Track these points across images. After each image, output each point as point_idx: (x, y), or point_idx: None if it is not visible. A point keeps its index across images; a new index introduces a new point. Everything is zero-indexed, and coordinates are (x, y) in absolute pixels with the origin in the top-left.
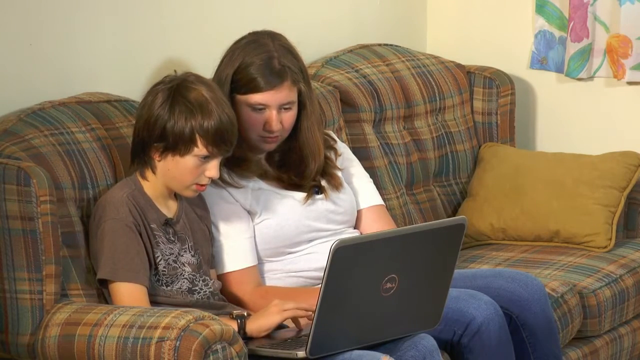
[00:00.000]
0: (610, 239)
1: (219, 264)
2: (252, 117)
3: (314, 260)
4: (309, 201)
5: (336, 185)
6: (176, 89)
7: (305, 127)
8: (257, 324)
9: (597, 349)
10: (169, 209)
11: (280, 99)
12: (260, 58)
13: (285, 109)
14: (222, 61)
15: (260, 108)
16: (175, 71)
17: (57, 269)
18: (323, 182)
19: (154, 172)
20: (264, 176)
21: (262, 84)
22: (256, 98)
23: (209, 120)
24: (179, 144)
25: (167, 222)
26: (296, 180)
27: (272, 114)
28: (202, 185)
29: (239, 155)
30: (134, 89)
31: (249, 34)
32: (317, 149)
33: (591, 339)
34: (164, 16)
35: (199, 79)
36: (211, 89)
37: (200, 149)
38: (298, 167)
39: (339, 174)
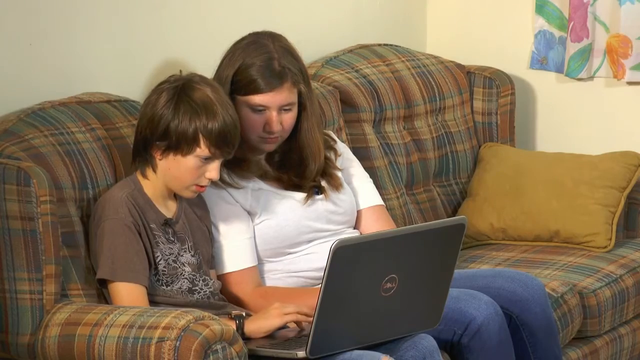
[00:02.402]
0: (610, 239)
1: (219, 265)
2: (252, 118)
3: (313, 260)
4: (308, 202)
5: (336, 185)
6: (181, 88)
7: (306, 128)
8: (257, 325)
9: (597, 349)
10: (168, 209)
11: (281, 100)
12: (261, 59)
13: (285, 110)
14: (222, 62)
15: (261, 109)
16: (180, 71)
17: (57, 269)
18: (323, 183)
19: (154, 171)
20: (264, 177)
21: (262, 85)
22: (256, 99)
23: (213, 121)
24: (181, 144)
25: (167, 222)
26: (296, 181)
27: (272, 115)
28: (201, 186)
29: (239, 156)
30: (134, 89)
31: (249, 34)
32: (317, 150)
33: (591, 339)
34: (164, 16)
35: (204, 80)
36: (216, 90)
37: (202, 150)
38: (298, 167)
39: (339, 174)
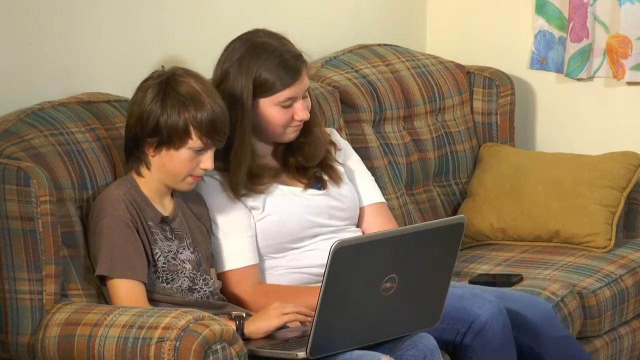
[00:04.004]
0: (610, 239)
1: (219, 262)
2: (282, 113)
3: (317, 256)
4: (310, 196)
5: (336, 179)
6: (166, 83)
7: (313, 109)
8: (256, 326)
9: (597, 349)
10: (165, 207)
11: (303, 86)
12: (273, 58)
13: (305, 96)
14: (227, 74)
15: (289, 103)
16: (162, 66)
17: (57, 269)
18: (324, 175)
19: (148, 169)
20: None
21: (286, 80)
22: (285, 94)
23: (202, 111)
24: (173, 138)
25: (164, 220)
26: (302, 161)
27: (300, 103)
28: (197, 176)
29: (254, 171)
30: (134, 89)
31: (238, 41)
32: (322, 130)
33: (591, 339)
34: (164, 16)
35: (187, 72)
36: (201, 80)
37: (194, 141)
38: (305, 149)
39: (340, 168)
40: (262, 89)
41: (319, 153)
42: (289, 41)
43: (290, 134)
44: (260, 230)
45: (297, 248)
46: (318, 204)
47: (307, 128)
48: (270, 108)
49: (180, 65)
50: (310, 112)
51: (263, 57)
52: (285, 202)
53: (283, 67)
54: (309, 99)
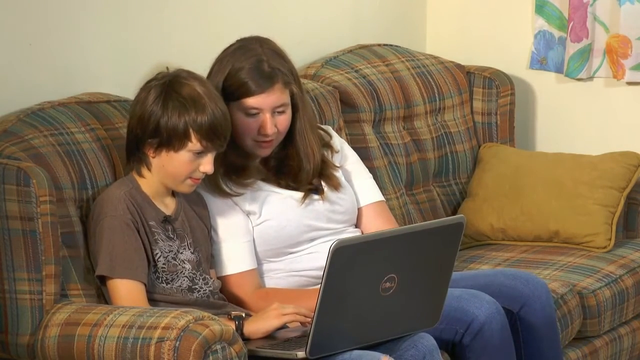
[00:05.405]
0: (610, 239)
1: (218, 267)
2: (246, 122)
3: (316, 259)
4: (307, 201)
5: (335, 185)
6: (169, 84)
7: (299, 129)
8: (255, 327)
9: (597, 349)
10: (167, 206)
11: (273, 101)
12: (250, 62)
13: (279, 112)
14: (211, 70)
15: (254, 113)
16: (167, 68)
17: (57, 269)
18: (322, 183)
19: (149, 169)
20: (263, 179)
21: (253, 87)
22: (249, 102)
23: (202, 115)
24: (173, 140)
25: (166, 219)
26: (293, 186)
27: (266, 117)
28: (196, 179)
29: (239, 163)
30: (134, 89)
31: (237, 41)
32: (312, 152)
33: (591, 339)
34: (164, 16)
35: (191, 75)
36: (204, 84)
37: (194, 144)
38: (296, 173)
39: (337, 174)
40: (230, 91)
41: (307, 174)
42: (279, 56)
43: (258, 149)
44: (258, 236)
45: (294, 252)
46: (317, 208)
47: (294, 148)
48: (236, 113)
49: (179, 65)
50: (294, 132)
51: (240, 59)
52: (284, 207)
53: (254, 74)
54: (285, 116)
